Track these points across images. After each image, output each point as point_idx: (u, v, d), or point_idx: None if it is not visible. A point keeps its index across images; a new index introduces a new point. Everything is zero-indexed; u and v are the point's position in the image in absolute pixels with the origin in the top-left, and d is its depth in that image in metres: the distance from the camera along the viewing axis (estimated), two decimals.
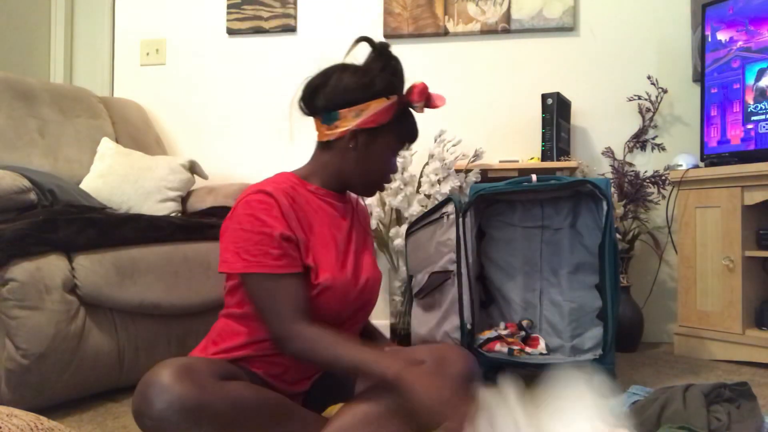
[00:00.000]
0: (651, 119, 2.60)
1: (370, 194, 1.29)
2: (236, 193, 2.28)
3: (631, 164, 2.61)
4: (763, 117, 2.22)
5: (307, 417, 1.15)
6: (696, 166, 2.34)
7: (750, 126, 2.24)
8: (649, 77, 2.58)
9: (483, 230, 2.04)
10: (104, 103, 2.65)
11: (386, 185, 1.30)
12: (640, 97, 2.60)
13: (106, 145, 2.42)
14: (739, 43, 2.28)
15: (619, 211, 2.40)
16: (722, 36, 2.33)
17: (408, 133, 1.26)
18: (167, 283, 1.85)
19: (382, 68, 1.24)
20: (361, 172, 1.23)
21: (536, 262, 2.00)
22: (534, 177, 1.88)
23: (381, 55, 1.26)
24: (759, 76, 2.25)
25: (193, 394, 0.97)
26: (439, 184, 2.38)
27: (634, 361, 2.21)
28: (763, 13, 2.22)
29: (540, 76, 2.71)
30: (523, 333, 1.93)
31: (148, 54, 3.05)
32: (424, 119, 2.94)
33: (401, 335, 2.46)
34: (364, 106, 1.19)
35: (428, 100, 1.25)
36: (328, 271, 1.15)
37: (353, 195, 1.33)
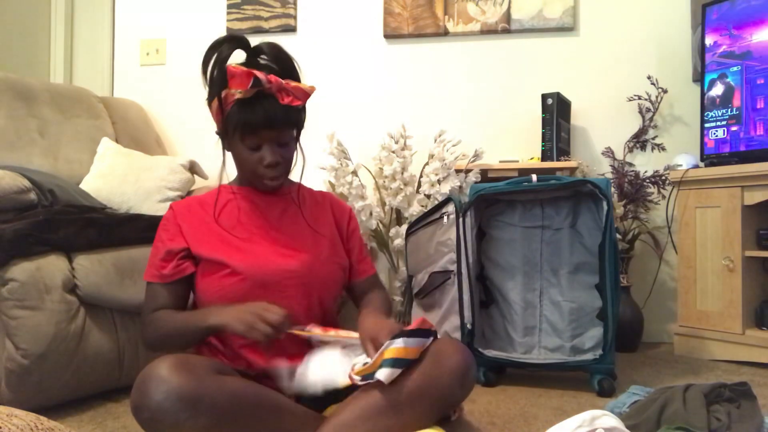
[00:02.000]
0: (651, 119, 2.60)
1: (263, 188, 1.31)
2: None
3: (631, 164, 2.61)
4: (713, 125, 2.30)
5: (304, 414, 1.16)
6: (696, 166, 2.34)
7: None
8: (649, 77, 2.58)
9: (483, 230, 2.04)
10: (104, 103, 2.65)
11: (271, 176, 1.27)
12: (640, 97, 2.60)
13: (106, 145, 2.41)
14: (723, 47, 2.29)
15: (619, 211, 2.40)
16: (707, 40, 2.34)
17: (244, 122, 1.21)
18: None
19: (212, 70, 1.24)
20: (239, 170, 1.32)
21: (536, 262, 2.01)
22: (534, 177, 1.88)
23: (209, 53, 1.24)
24: (710, 85, 2.32)
25: (191, 385, 0.99)
26: (439, 184, 2.39)
27: (634, 361, 2.21)
28: (747, 17, 2.23)
29: (540, 76, 2.71)
30: None
31: (148, 54, 3.05)
32: (424, 119, 2.94)
33: None
34: (211, 110, 1.29)
35: (258, 84, 1.19)
36: (228, 257, 1.24)
37: (297, 189, 1.39)
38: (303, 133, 1.37)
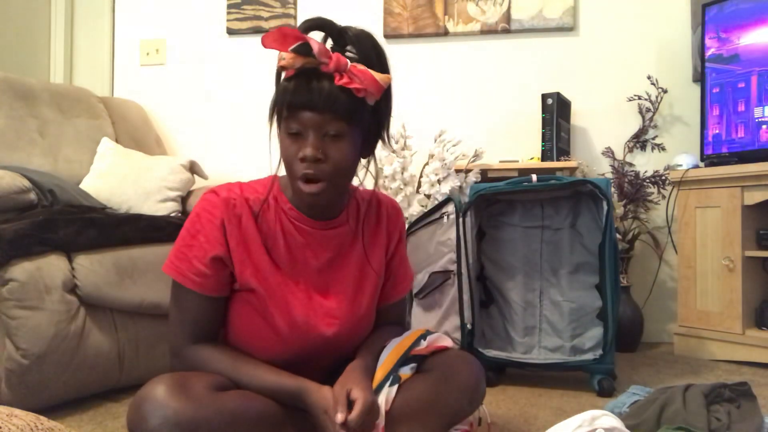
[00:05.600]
0: (651, 119, 2.60)
1: (301, 196, 1.05)
2: None
3: (631, 164, 2.61)
4: None
5: (305, 425, 1.12)
6: (696, 166, 2.34)
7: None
8: (649, 77, 2.58)
9: (483, 230, 2.04)
10: (104, 103, 2.65)
11: (305, 174, 1.02)
12: (640, 97, 2.60)
13: (106, 145, 2.41)
14: (712, 50, 2.31)
15: (619, 211, 2.40)
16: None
17: (284, 98, 1.01)
18: (167, 283, 1.83)
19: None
20: (285, 169, 1.06)
21: (536, 262, 2.00)
22: (534, 177, 1.88)
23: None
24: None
25: (189, 409, 0.95)
26: (439, 184, 2.38)
27: (634, 361, 2.21)
28: (736, 20, 2.25)
29: (540, 76, 2.71)
30: None
31: (148, 54, 3.05)
32: (424, 119, 2.94)
33: None
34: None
35: (304, 51, 0.99)
36: (277, 306, 1.09)
37: (359, 218, 1.17)
38: None
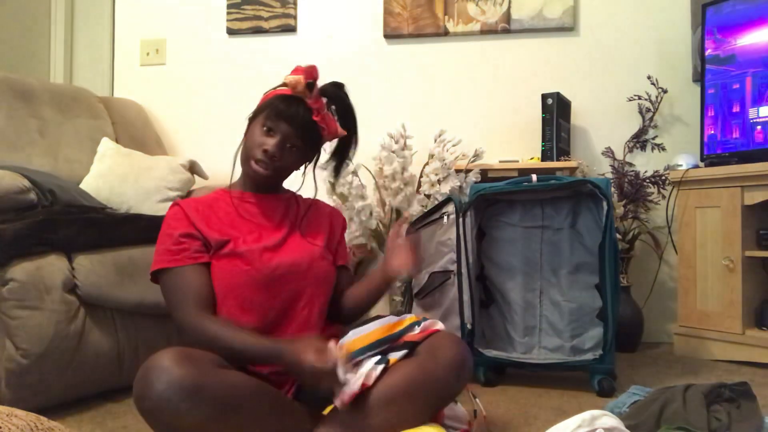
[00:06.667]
0: (651, 119, 2.60)
1: (251, 172, 1.32)
2: None
3: (631, 164, 2.61)
4: None
5: (303, 412, 1.18)
6: (696, 166, 2.35)
7: None
8: (649, 77, 2.58)
9: (483, 230, 2.04)
10: (104, 103, 2.65)
11: (261, 159, 1.30)
12: (640, 97, 2.60)
13: (106, 145, 2.41)
14: (708, 51, 2.31)
15: (619, 211, 2.40)
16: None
17: (275, 106, 1.30)
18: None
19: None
20: (244, 151, 1.34)
21: (536, 262, 2.00)
22: (534, 177, 1.88)
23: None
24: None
25: (193, 375, 1.00)
26: (439, 184, 2.38)
27: (634, 361, 2.21)
28: (732, 21, 2.25)
29: (540, 76, 2.71)
30: None
31: (148, 54, 3.05)
32: (424, 119, 2.94)
33: None
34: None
35: (309, 87, 1.32)
36: (239, 243, 1.27)
37: (298, 198, 1.46)
38: None
